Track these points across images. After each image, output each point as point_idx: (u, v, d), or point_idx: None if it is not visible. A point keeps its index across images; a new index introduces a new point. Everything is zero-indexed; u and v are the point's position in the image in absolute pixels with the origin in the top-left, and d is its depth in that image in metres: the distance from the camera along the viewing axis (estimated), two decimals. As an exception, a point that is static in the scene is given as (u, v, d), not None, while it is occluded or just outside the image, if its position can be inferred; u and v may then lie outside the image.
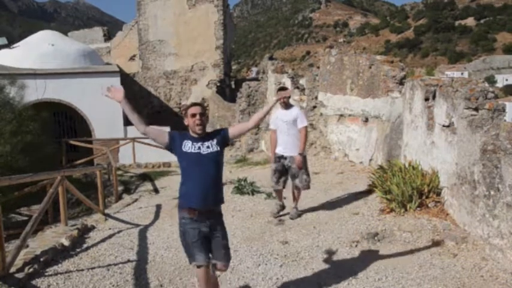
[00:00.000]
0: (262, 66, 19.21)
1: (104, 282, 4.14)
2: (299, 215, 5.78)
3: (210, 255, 3.21)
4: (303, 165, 5.57)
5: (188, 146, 3.20)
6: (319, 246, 4.76)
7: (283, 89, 5.49)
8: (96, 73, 16.57)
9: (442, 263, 3.99)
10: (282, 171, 5.67)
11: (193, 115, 3.22)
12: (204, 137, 3.24)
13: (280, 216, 5.88)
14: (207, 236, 3.17)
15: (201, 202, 3.13)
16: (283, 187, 5.79)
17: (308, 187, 5.74)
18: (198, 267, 3.14)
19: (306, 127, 5.58)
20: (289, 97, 5.55)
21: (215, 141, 3.24)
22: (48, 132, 12.36)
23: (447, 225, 4.64)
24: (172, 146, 3.25)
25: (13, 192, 7.45)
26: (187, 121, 3.26)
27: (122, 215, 7.29)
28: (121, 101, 3.30)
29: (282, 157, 5.65)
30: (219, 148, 3.23)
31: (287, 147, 5.58)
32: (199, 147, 3.18)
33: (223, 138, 3.30)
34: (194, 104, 3.34)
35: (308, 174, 5.71)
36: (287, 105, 5.58)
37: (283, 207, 5.99)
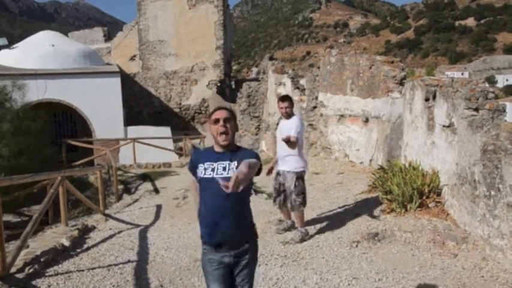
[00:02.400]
0: (262, 67, 19.20)
1: (104, 283, 4.14)
2: (304, 239, 4.98)
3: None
4: (294, 184, 4.92)
5: (201, 170, 2.62)
6: (319, 247, 4.76)
7: (284, 98, 5.08)
8: (97, 73, 16.58)
9: (443, 263, 3.99)
10: (279, 188, 5.08)
11: (216, 121, 2.59)
12: (227, 152, 2.61)
13: (285, 230, 5.33)
14: (229, 266, 2.65)
15: (215, 236, 2.60)
16: (284, 205, 5.13)
17: (298, 208, 4.95)
18: None
19: (296, 138, 4.78)
20: (291, 106, 4.98)
21: (236, 164, 2.52)
22: (49, 132, 12.36)
23: (447, 226, 4.64)
24: (193, 173, 2.71)
25: (14, 192, 7.46)
26: (210, 129, 2.66)
27: (122, 215, 7.29)
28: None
29: (278, 173, 5.12)
30: None
31: (281, 157, 5.05)
32: (213, 169, 2.57)
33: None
34: (219, 108, 2.68)
35: (299, 194, 4.93)
36: (289, 115, 5.00)
37: (290, 226, 5.32)
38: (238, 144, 2.82)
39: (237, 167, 2.45)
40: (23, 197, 7.89)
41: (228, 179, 2.28)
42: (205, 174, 2.59)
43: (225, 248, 2.61)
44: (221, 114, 2.60)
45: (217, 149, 2.63)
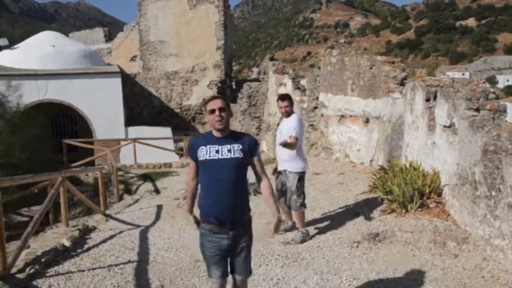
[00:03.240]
0: (263, 67, 19.21)
1: (105, 283, 4.14)
2: (305, 239, 4.97)
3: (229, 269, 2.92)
4: (296, 185, 4.92)
5: (203, 153, 2.78)
6: (320, 247, 4.76)
7: (284, 97, 5.07)
8: (97, 74, 16.59)
9: (443, 264, 3.98)
10: (281, 189, 5.05)
11: (212, 111, 2.78)
12: (227, 137, 2.82)
13: (286, 230, 5.31)
14: (227, 249, 2.81)
15: (219, 214, 2.75)
16: (286, 205, 5.10)
17: (298, 209, 4.95)
18: (213, 283, 2.90)
19: (295, 138, 4.76)
20: (291, 105, 4.98)
21: (240, 146, 2.80)
22: (49, 133, 12.38)
23: (448, 226, 4.64)
24: (195, 158, 2.86)
25: (14, 192, 7.47)
26: (207, 118, 2.86)
27: (122, 215, 7.29)
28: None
29: (279, 173, 5.09)
30: (242, 155, 2.78)
31: (281, 159, 5.03)
32: (217, 151, 2.76)
33: (250, 150, 2.85)
34: (213, 98, 2.86)
35: (300, 195, 4.95)
36: (288, 114, 4.99)
37: (291, 227, 5.31)
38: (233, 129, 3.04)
39: (241, 149, 2.78)
40: (23, 197, 7.89)
41: (224, 160, 2.75)
42: (209, 155, 2.76)
43: (225, 228, 2.77)
44: (216, 104, 2.79)
45: (216, 134, 2.82)
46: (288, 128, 4.89)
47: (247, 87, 17.69)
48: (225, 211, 2.75)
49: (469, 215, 4.34)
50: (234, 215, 2.79)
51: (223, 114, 2.78)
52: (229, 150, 2.77)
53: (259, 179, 2.97)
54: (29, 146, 10.22)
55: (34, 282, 4.08)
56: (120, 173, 11.60)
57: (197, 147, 2.82)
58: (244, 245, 2.87)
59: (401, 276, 3.87)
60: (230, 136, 2.84)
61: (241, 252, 2.86)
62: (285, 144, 4.70)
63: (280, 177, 5.09)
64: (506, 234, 3.68)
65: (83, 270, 4.45)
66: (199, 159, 2.79)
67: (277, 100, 5.07)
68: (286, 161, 4.95)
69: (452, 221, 4.73)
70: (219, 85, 20.25)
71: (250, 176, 3.01)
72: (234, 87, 22.03)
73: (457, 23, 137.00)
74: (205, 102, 2.87)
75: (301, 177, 4.98)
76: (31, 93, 14.76)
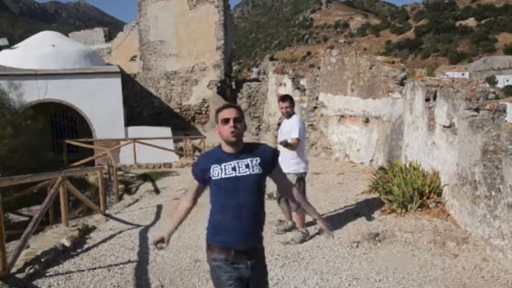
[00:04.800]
0: (262, 67, 19.23)
1: (104, 283, 4.14)
2: (304, 239, 4.98)
3: None
4: (296, 185, 4.78)
5: (217, 171, 2.43)
6: (319, 247, 4.76)
7: (285, 98, 5.06)
8: (97, 74, 16.58)
9: (443, 264, 3.99)
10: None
11: (226, 121, 2.42)
12: (241, 151, 2.47)
13: (286, 230, 5.33)
14: (244, 278, 2.46)
15: (240, 240, 2.41)
16: (287, 205, 5.15)
17: (298, 210, 4.94)
18: None
19: (297, 139, 4.78)
20: (292, 106, 4.97)
21: (258, 160, 2.46)
22: (49, 132, 12.38)
23: (448, 226, 4.64)
24: (203, 180, 2.52)
25: (14, 192, 7.46)
26: (218, 129, 2.48)
27: (122, 215, 7.29)
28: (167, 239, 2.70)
29: None
30: (261, 171, 2.45)
31: (282, 160, 5.03)
32: (234, 168, 2.42)
33: (270, 161, 2.53)
34: (227, 106, 2.51)
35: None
36: (289, 115, 4.98)
37: (290, 227, 5.32)
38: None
39: (260, 163, 2.45)
40: (23, 197, 7.89)
41: (243, 177, 2.40)
42: (225, 173, 2.41)
43: (244, 257, 2.43)
44: (230, 113, 2.43)
45: (228, 149, 2.47)
46: (289, 128, 4.88)
47: (247, 87, 17.70)
48: (244, 238, 2.43)
49: (468, 215, 4.35)
50: (254, 241, 2.49)
51: (238, 125, 2.42)
52: (247, 166, 2.42)
53: (288, 190, 2.74)
54: (29, 146, 10.21)
55: (34, 282, 4.08)
56: (120, 172, 11.59)
57: (208, 166, 2.46)
58: (261, 273, 2.58)
59: (401, 276, 3.87)
60: (244, 150, 2.48)
61: (260, 283, 2.56)
62: (286, 144, 4.69)
63: None
64: (506, 234, 3.69)
65: (83, 270, 4.45)
66: (213, 178, 2.42)
67: (278, 101, 5.07)
68: (287, 162, 4.93)
69: (452, 221, 4.73)
70: (219, 85, 20.26)
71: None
72: (233, 87, 22.04)
73: (457, 23, 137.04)
74: (218, 110, 2.50)
75: (301, 178, 4.98)
76: (31, 93, 14.75)
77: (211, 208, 2.51)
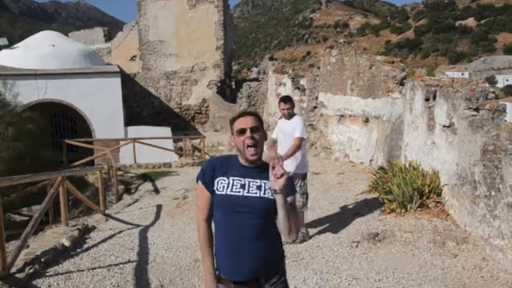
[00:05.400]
0: (262, 67, 19.24)
1: (104, 283, 4.14)
2: (304, 239, 4.98)
3: None
4: (300, 185, 4.92)
5: (223, 185, 2.09)
6: (319, 247, 4.76)
7: (286, 99, 5.06)
8: (97, 73, 16.57)
9: (443, 264, 3.99)
10: None
11: (242, 131, 2.07)
12: (258, 167, 2.10)
13: None
14: None
15: (239, 272, 2.06)
16: None
17: (300, 209, 4.92)
18: None
19: (300, 138, 4.79)
20: (292, 107, 4.99)
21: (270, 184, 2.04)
22: (49, 132, 12.37)
23: (448, 226, 4.64)
24: (209, 188, 2.13)
25: (14, 192, 7.46)
26: (234, 141, 2.12)
27: (122, 215, 7.29)
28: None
29: None
30: (272, 197, 2.04)
31: (287, 162, 4.91)
32: (243, 185, 2.07)
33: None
34: (244, 114, 2.13)
35: (302, 195, 5.01)
36: (290, 116, 4.98)
37: None
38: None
39: (258, 187, 2.07)
40: (23, 197, 7.89)
41: (251, 198, 2.04)
42: (232, 190, 2.07)
43: (251, 285, 2.07)
44: (247, 123, 2.07)
45: (244, 161, 2.11)
46: (291, 129, 4.89)
47: (247, 87, 17.71)
48: (246, 269, 2.06)
49: (468, 215, 4.35)
50: (263, 273, 2.09)
51: (256, 136, 2.06)
52: (259, 187, 2.06)
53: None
54: (30, 146, 10.21)
55: (34, 282, 4.08)
56: (119, 172, 11.58)
57: (214, 176, 2.12)
58: None
59: (401, 276, 3.87)
60: (262, 167, 2.09)
61: None
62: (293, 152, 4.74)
63: None
64: (506, 234, 3.69)
65: (83, 270, 4.45)
66: (217, 192, 2.09)
67: (279, 102, 5.08)
68: (292, 162, 4.92)
69: (452, 220, 4.73)
70: (219, 85, 20.27)
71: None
72: (233, 87, 22.04)
73: (457, 23, 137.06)
74: (233, 118, 2.15)
75: (304, 177, 5.01)
76: (31, 93, 14.76)
77: (214, 225, 2.18)
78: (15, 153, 9.49)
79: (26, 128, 10.57)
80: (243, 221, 2.04)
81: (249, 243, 2.04)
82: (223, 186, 2.08)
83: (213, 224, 2.18)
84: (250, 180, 2.08)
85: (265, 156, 2.15)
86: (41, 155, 10.74)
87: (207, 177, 2.14)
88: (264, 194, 2.05)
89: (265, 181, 2.06)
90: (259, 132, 2.08)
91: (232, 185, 2.08)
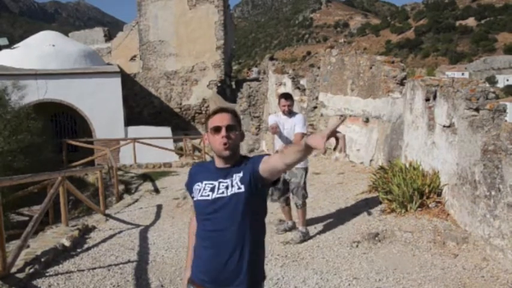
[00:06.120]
0: (262, 67, 19.21)
1: (104, 283, 4.14)
2: (304, 239, 4.96)
3: None
4: (303, 179, 4.98)
5: (197, 191, 2.03)
6: (319, 247, 4.76)
7: (287, 96, 5.06)
8: (97, 73, 16.59)
9: (443, 264, 3.98)
10: (283, 187, 5.00)
11: (217, 129, 1.98)
12: (231, 167, 2.01)
13: (286, 230, 5.30)
14: None
15: (209, 278, 1.96)
16: (287, 204, 5.17)
17: (304, 205, 5.00)
18: None
19: (302, 134, 4.78)
20: (293, 104, 5.00)
21: (240, 175, 1.96)
22: (49, 132, 12.38)
23: (448, 226, 4.64)
24: (190, 194, 2.12)
25: (14, 192, 7.46)
26: (209, 139, 2.03)
27: (122, 215, 7.29)
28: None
29: None
30: (243, 188, 1.93)
31: None
32: (212, 188, 1.98)
33: (252, 173, 1.94)
34: (218, 111, 2.04)
35: (305, 190, 5.04)
36: (290, 113, 4.96)
37: (291, 227, 5.29)
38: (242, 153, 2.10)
39: (242, 178, 1.94)
40: (23, 197, 7.89)
41: (234, 197, 1.92)
42: (201, 195, 1.99)
43: None
44: (222, 120, 1.97)
45: (219, 163, 2.03)
46: (294, 124, 4.89)
47: (247, 87, 17.69)
48: (215, 277, 1.94)
49: (468, 215, 4.35)
50: (233, 283, 1.93)
51: (231, 134, 1.97)
52: (227, 187, 1.95)
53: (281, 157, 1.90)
54: (30, 147, 10.22)
55: (34, 282, 4.08)
56: (119, 172, 11.59)
57: (193, 181, 2.08)
58: None
59: (401, 276, 3.87)
60: (236, 166, 2.00)
61: None
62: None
63: (283, 175, 5.03)
64: (506, 234, 3.69)
65: (83, 270, 4.45)
66: (194, 198, 2.05)
67: (280, 98, 5.05)
68: None
69: (452, 220, 4.73)
70: (219, 85, 20.26)
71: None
72: (233, 87, 22.03)
73: (457, 23, 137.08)
74: (208, 116, 2.06)
75: (306, 171, 5.07)
76: (31, 93, 14.75)
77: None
78: (12, 148, 9.49)
79: (26, 127, 10.58)
80: (217, 226, 1.93)
81: (227, 251, 1.93)
82: (197, 192, 2.02)
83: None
84: (221, 180, 1.97)
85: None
86: (42, 154, 10.75)
87: (188, 183, 2.12)
88: (231, 190, 1.93)
89: (231, 178, 1.95)
90: (235, 131, 1.99)
91: (203, 189, 2.00)
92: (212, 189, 1.97)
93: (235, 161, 2.01)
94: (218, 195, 1.95)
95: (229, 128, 1.97)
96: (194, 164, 2.16)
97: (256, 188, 1.95)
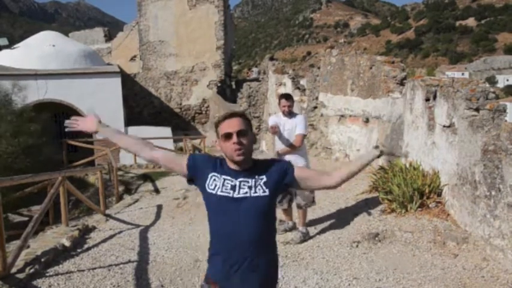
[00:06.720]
0: (262, 67, 19.22)
1: (104, 283, 4.14)
2: (304, 239, 4.95)
3: None
4: None
5: (216, 184, 1.99)
6: (320, 247, 4.76)
7: (287, 96, 5.05)
8: (97, 74, 16.59)
9: (443, 264, 3.98)
10: None
11: (228, 136, 1.96)
12: (248, 169, 2.01)
13: (286, 231, 5.33)
14: None
15: (227, 277, 1.97)
16: (289, 206, 5.13)
17: (313, 203, 5.05)
18: None
19: (303, 135, 4.83)
20: (293, 105, 4.99)
21: (265, 179, 1.99)
22: (49, 132, 12.38)
23: (448, 226, 4.64)
24: (192, 178, 2.11)
25: (14, 192, 7.46)
26: (220, 145, 2.03)
27: (122, 215, 7.29)
28: (96, 130, 2.33)
29: None
30: (268, 192, 1.98)
31: (289, 156, 4.87)
32: (233, 187, 1.97)
33: (283, 179, 2.03)
34: (230, 115, 2.00)
35: (312, 190, 4.97)
36: (291, 114, 4.94)
37: (291, 227, 5.28)
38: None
39: (266, 182, 1.99)
40: (23, 197, 7.89)
41: (241, 200, 1.95)
42: (222, 190, 1.97)
43: None
44: (233, 126, 1.95)
45: (233, 166, 2.02)
46: (295, 125, 4.88)
47: (247, 87, 17.70)
48: (234, 276, 1.96)
49: (468, 215, 4.35)
50: (260, 280, 1.98)
51: (243, 140, 1.95)
52: (250, 187, 1.96)
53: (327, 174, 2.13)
54: (31, 147, 10.23)
55: (34, 282, 4.08)
56: (120, 172, 11.60)
57: (208, 169, 2.04)
58: None
59: (401, 276, 3.87)
60: (252, 168, 2.02)
61: None
62: (290, 145, 4.79)
63: None
64: (506, 234, 3.69)
65: (83, 270, 4.45)
66: (208, 190, 2.01)
67: (280, 98, 5.04)
68: (296, 157, 4.83)
69: (452, 220, 4.73)
70: (219, 85, 20.27)
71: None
72: (233, 87, 22.04)
73: (457, 23, 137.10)
74: (218, 120, 2.02)
75: None
76: (31, 93, 14.76)
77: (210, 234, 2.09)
78: (14, 150, 9.50)
79: (26, 127, 10.58)
80: (238, 227, 1.94)
81: (241, 248, 1.95)
82: (216, 185, 1.99)
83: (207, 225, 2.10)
84: (242, 180, 1.98)
85: None
86: (42, 155, 10.76)
87: (200, 163, 2.08)
88: (255, 192, 1.97)
89: (254, 179, 1.99)
90: (246, 136, 1.97)
91: (224, 185, 1.98)
92: (233, 188, 1.97)
93: (249, 164, 2.02)
94: (241, 195, 1.96)
95: (240, 134, 1.95)
96: (203, 153, 2.05)
97: (279, 192, 2.09)
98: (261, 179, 1.98)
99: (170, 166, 2.17)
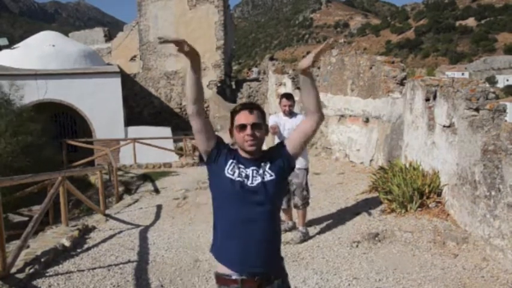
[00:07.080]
0: (262, 67, 19.23)
1: (104, 283, 4.14)
2: (304, 239, 4.95)
3: None
4: (305, 180, 5.00)
5: (235, 171, 2.02)
6: (319, 247, 4.76)
7: (289, 96, 5.05)
8: (97, 74, 16.58)
9: (443, 264, 3.99)
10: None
11: (242, 127, 2.02)
12: (258, 159, 2.06)
13: (286, 230, 5.24)
14: None
15: (243, 267, 1.98)
16: (288, 206, 5.14)
17: (307, 204, 5.07)
18: None
19: None
20: (293, 104, 5.02)
21: (268, 165, 2.05)
22: (49, 132, 12.39)
23: (448, 226, 4.64)
24: (215, 156, 2.07)
25: (14, 192, 7.46)
26: (234, 135, 2.08)
27: (122, 215, 7.29)
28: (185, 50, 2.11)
29: None
30: (274, 176, 2.02)
31: None
32: (246, 175, 2.01)
33: (285, 161, 2.08)
34: (244, 107, 2.08)
35: (308, 191, 5.08)
36: (291, 113, 4.96)
37: (291, 227, 5.28)
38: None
39: (270, 167, 2.03)
40: (23, 197, 7.89)
41: (253, 188, 1.99)
42: (237, 176, 2.01)
43: (254, 284, 1.97)
44: (248, 118, 2.01)
45: (243, 154, 2.07)
46: (296, 124, 4.80)
47: (247, 87, 17.71)
48: (251, 264, 1.98)
49: (468, 215, 4.35)
50: (266, 268, 2.01)
51: (257, 132, 2.01)
52: (260, 175, 2.01)
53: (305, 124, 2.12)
54: (31, 146, 10.23)
55: (34, 282, 4.08)
56: (120, 173, 11.59)
57: (229, 155, 2.07)
58: None
59: (401, 276, 3.87)
60: (262, 156, 2.08)
61: None
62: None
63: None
64: (506, 234, 3.69)
65: (83, 270, 4.45)
66: (227, 174, 2.02)
67: (281, 98, 5.03)
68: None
69: (452, 220, 4.73)
70: (219, 85, 20.27)
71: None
72: (233, 87, 22.04)
73: (457, 23, 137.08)
74: (234, 110, 2.09)
75: (308, 172, 5.08)
76: (31, 93, 14.76)
77: (213, 218, 2.10)
78: (13, 149, 9.50)
79: (26, 127, 10.58)
80: (249, 214, 1.98)
81: (260, 239, 1.99)
82: (231, 168, 2.02)
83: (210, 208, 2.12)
84: (252, 169, 2.02)
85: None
86: (42, 154, 10.76)
87: (224, 147, 2.09)
88: (264, 178, 2.01)
89: (262, 167, 2.03)
90: (260, 129, 2.03)
91: (239, 171, 2.01)
92: (247, 176, 2.01)
93: (260, 154, 2.08)
94: (253, 184, 1.99)
95: (254, 126, 2.01)
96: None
97: (285, 175, 2.10)
98: (267, 165, 2.04)
99: (204, 130, 2.08)
